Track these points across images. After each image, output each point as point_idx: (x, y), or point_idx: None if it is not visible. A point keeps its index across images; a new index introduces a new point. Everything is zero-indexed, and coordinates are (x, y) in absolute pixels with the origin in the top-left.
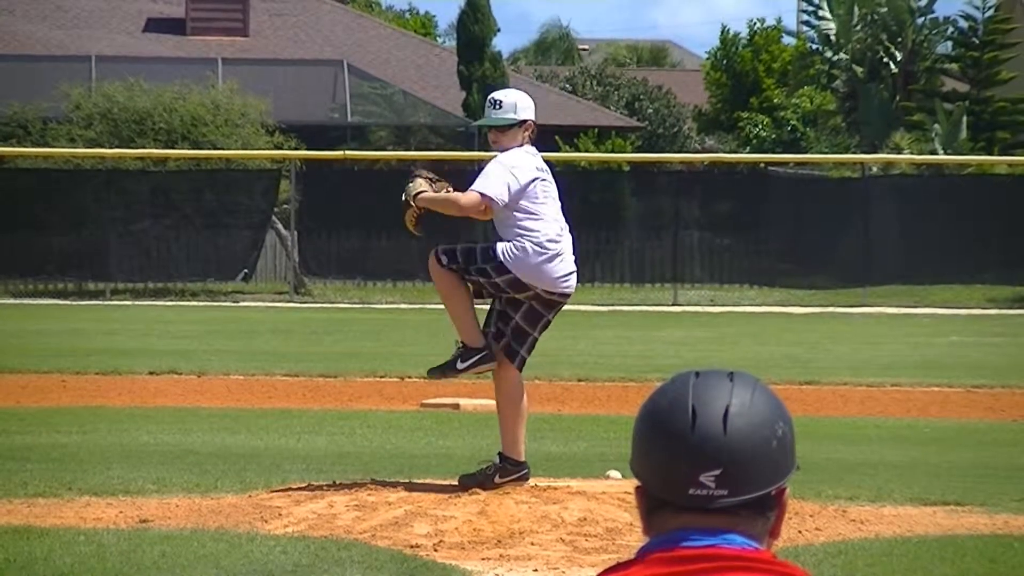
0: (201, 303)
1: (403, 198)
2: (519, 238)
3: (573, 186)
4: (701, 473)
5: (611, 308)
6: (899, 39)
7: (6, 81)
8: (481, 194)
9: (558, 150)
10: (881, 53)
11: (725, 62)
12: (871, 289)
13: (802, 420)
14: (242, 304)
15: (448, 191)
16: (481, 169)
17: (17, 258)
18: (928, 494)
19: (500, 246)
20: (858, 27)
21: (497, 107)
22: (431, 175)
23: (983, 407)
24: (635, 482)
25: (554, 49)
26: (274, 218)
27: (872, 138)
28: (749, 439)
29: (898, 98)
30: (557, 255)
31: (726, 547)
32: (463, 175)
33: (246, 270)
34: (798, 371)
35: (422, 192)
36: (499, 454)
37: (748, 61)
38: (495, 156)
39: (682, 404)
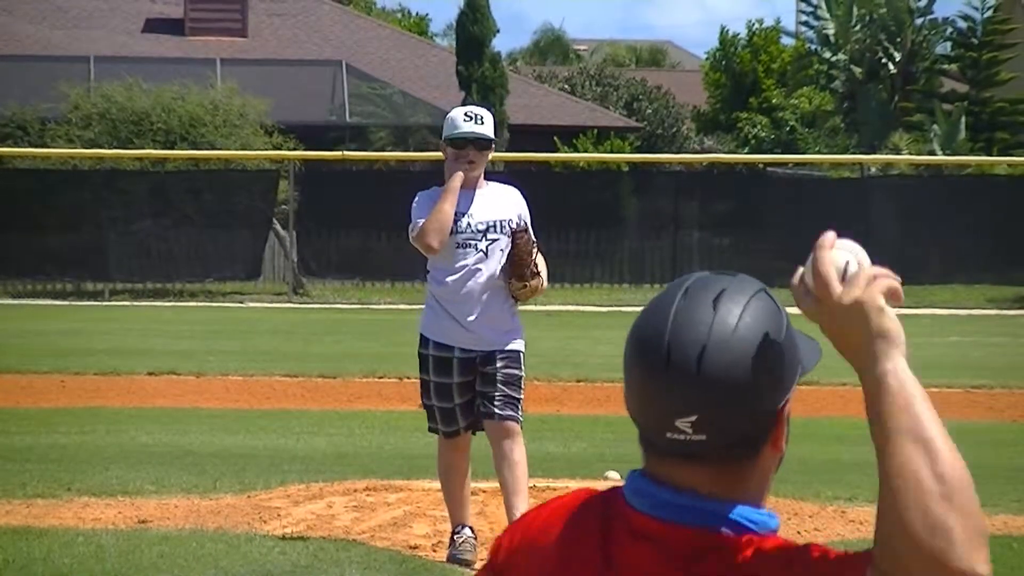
0: (200, 303)
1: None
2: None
3: (572, 186)
4: (676, 418)
5: (610, 309)
6: (898, 39)
7: (5, 81)
8: None
9: (557, 150)
10: (880, 53)
11: (724, 63)
12: None
13: (802, 420)
14: (241, 305)
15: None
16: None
17: (16, 259)
18: None
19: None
20: (857, 27)
21: (479, 122)
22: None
23: (983, 407)
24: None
25: (550, 52)
26: (273, 219)
27: (871, 139)
28: (728, 378)
29: (897, 99)
30: None
31: (673, 524)
32: None
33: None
34: None
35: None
36: (469, 528)
37: (747, 61)
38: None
39: (659, 335)
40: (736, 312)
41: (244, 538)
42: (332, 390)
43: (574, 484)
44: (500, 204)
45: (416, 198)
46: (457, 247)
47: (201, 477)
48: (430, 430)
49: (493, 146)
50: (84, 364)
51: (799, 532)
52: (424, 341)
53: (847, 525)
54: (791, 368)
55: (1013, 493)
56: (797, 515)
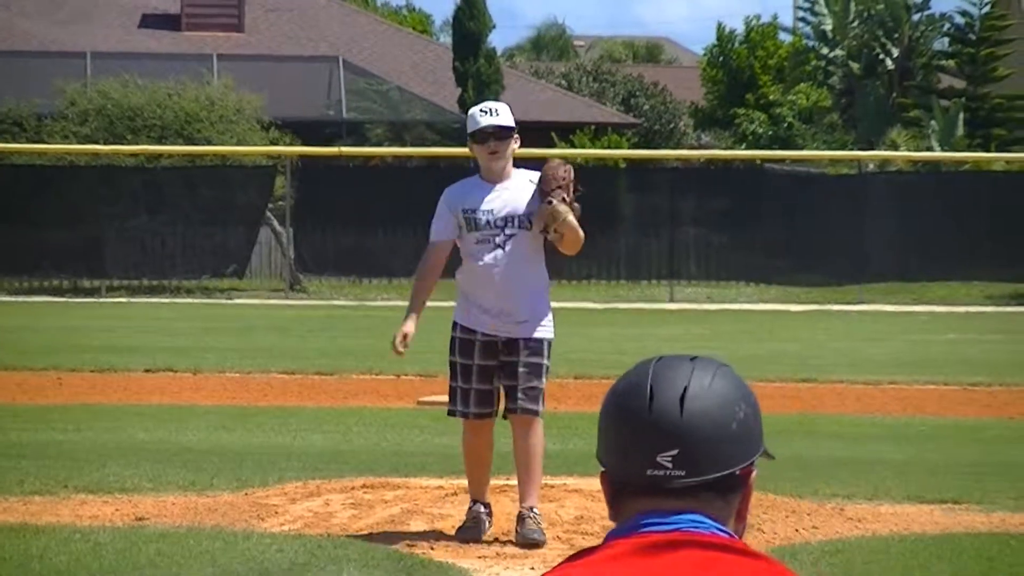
0: (197, 300)
1: (548, 222)
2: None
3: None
4: (658, 454)
5: (607, 305)
6: (895, 35)
7: (1, 77)
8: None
9: (554, 146)
10: (877, 49)
11: (721, 58)
12: (868, 286)
13: (799, 418)
14: (238, 301)
15: (574, 208)
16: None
17: (12, 255)
18: (925, 492)
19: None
20: (854, 23)
21: (495, 114)
22: (564, 180)
23: (980, 404)
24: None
25: (550, 47)
26: (269, 215)
27: (868, 135)
28: (707, 419)
29: (894, 95)
30: None
31: (694, 531)
32: (461, 172)
33: (235, 265)
34: (795, 368)
35: (567, 218)
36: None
37: (744, 57)
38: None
39: (641, 385)
40: (710, 371)
41: (241, 535)
42: (329, 387)
43: (571, 481)
44: (520, 197)
45: (443, 197)
46: (476, 243)
47: (198, 474)
48: (449, 413)
49: (516, 135)
50: (80, 361)
51: (797, 530)
52: (454, 325)
53: (845, 523)
54: (757, 433)
55: (1011, 491)
56: (795, 513)
